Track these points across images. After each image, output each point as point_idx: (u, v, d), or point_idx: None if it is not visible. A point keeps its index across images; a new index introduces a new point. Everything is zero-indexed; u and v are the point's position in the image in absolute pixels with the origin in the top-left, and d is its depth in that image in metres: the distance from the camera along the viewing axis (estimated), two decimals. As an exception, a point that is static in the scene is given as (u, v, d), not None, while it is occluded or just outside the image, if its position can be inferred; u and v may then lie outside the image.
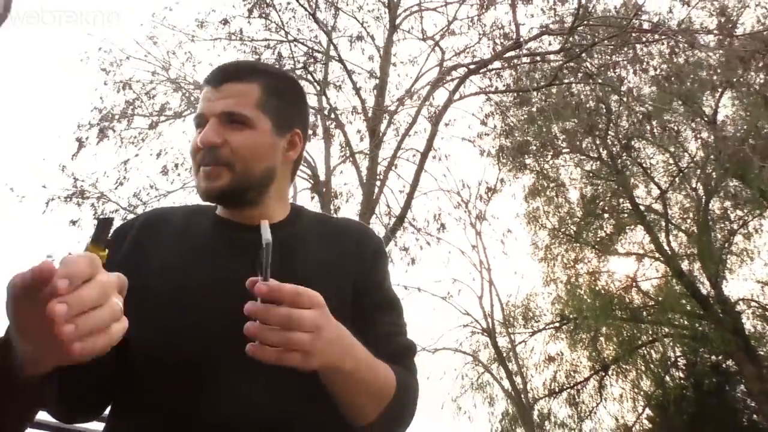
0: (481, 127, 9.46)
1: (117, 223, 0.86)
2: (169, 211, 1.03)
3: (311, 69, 8.47)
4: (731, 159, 8.90)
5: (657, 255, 12.07)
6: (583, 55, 7.78)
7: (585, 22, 7.75)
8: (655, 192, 12.24)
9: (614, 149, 11.96)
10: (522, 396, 12.21)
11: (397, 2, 8.74)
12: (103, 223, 0.63)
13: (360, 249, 1.00)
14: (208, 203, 0.97)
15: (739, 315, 11.47)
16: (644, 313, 12.37)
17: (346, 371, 0.75)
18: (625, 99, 8.97)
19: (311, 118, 8.00)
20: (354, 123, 8.39)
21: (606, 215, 12.72)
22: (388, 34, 8.52)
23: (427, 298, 11.45)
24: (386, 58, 8.37)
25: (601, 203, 12.64)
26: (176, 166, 8.25)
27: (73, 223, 7.64)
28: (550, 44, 8.67)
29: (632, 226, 12.66)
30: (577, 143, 11.75)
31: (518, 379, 12.45)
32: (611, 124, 11.20)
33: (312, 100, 8.29)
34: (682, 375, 12.51)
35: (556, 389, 12.73)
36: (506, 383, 12.57)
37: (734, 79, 8.53)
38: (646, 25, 7.67)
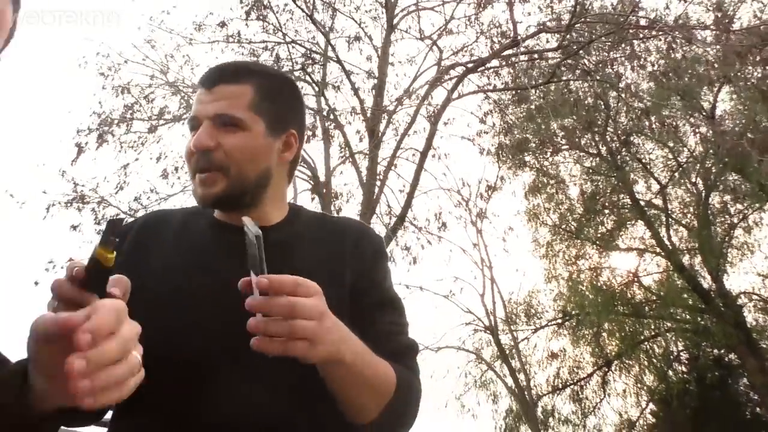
0: (480, 125, 9.43)
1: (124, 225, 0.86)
2: (169, 213, 1.04)
3: (309, 70, 8.46)
4: (730, 153, 8.90)
5: (658, 250, 12.04)
6: (581, 52, 7.76)
7: (582, 20, 7.74)
8: (655, 187, 12.21)
9: (613, 145, 11.93)
10: (525, 393, 12.18)
11: (394, 2, 8.71)
12: (113, 225, 0.61)
13: (360, 248, 0.99)
14: None
15: (741, 308, 11.45)
16: (646, 308, 12.34)
17: (346, 363, 0.75)
18: (623, 95, 8.96)
19: (310, 119, 8.08)
20: (353, 123, 8.36)
21: (606, 211, 12.68)
22: (386, 34, 8.50)
23: (429, 297, 11.38)
24: (384, 58, 8.35)
25: (602, 199, 12.60)
26: (176, 169, 8.21)
27: (74, 228, 7.61)
28: (547, 42, 8.65)
29: (633, 222, 12.62)
30: (576, 140, 11.75)
31: (521, 376, 12.41)
32: (610, 121, 11.18)
33: (311, 101, 8.29)
34: (684, 369, 12.50)
35: (560, 386, 12.70)
36: (509, 380, 12.53)
37: (732, 74, 8.51)
38: (643, 22, 7.66)
